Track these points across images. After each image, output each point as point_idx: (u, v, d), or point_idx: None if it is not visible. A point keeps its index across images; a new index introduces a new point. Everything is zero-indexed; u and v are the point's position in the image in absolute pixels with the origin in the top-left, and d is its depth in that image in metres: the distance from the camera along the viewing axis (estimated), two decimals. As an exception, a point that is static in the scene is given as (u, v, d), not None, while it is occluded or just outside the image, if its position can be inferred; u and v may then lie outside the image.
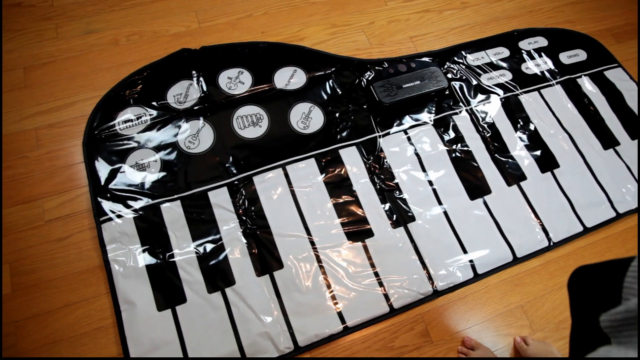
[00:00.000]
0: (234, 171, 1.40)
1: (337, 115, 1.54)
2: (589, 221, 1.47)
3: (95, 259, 1.28)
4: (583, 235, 1.46)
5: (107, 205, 1.32)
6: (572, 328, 0.82)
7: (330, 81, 1.61)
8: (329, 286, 1.28)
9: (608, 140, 1.63)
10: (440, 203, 1.44)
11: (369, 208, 1.40)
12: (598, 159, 1.58)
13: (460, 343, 1.28)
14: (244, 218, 1.34)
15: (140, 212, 1.32)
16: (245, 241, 1.31)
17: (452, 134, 1.56)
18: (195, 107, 1.49)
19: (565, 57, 1.80)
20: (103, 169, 1.37)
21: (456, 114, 1.60)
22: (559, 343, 1.30)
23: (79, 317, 1.21)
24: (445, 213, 1.43)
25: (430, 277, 1.33)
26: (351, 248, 1.34)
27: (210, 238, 1.31)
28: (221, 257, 1.29)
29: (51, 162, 1.40)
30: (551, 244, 1.42)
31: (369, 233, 1.37)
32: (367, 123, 1.55)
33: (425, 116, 1.58)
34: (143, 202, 1.33)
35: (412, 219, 1.40)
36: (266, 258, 1.30)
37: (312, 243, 1.33)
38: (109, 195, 1.33)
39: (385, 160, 1.48)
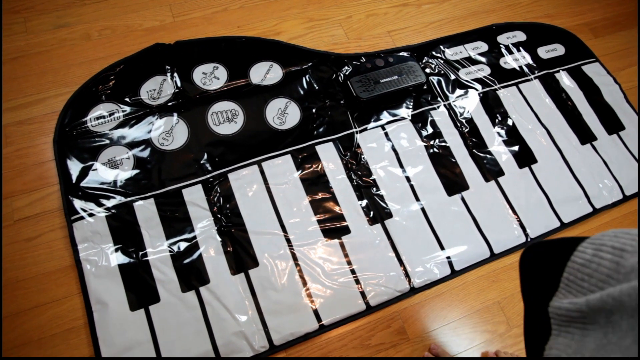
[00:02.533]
0: (209, 168, 1.38)
1: (314, 110, 1.53)
2: (566, 216, 1.48)
3: (66, 259, 1.25)
4: (560, 231, 1.46)
5: (78, 203, 1.29)
6: (524, 314, 0.79)
7: (307, 76, 1.59)
8: (305, 284, 1.27)
9: (585, 136, 1.63)
10: (417, 199, 1.43)
11: (345, 205, 1.39)
12: (575, 154, 1.58)
13: (428, 349, 1.27)
14: (219, 216, 1.32)
15: (113, 211, 1.29)
16: (220, 239, 1.29)
17: (430, 130, 1.55)
18: (170, 103, 1.46)
19: (544, 52, 1.80)
20: (74, 166, 1.34)
21: (434, 109, 1.60)
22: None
23: (50, 318, 1.19)
24: (423, 209, 1.42)
25: (407, 274, 1.32)
26: (328, 245, 1.33)
27: (184, 236, 1.29)
28: (195, 255, 1.27)
29: (20, 159, 1.37)
30: (528, 239, 1.42)
31: (346, 230, 1.36)
32: (345, 119, 1.53)
33: (403, 111, 1.57)
34: (116, 200, 1.31)
35: (390, 215, 1.39)
36: (241, 256, 1.28)
37: (288, 241, 1.32)
38: (80, 193, 1.31)
39: (362, 156, 1.47)
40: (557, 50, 1.82)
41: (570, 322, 0.58)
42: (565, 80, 1.74)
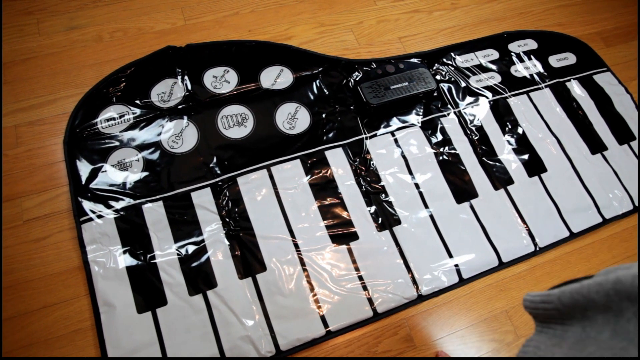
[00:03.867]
0: (218, 172, 1.38)
1: (323, 116, 1.53)
2: (575, 226, 1.47)
3: (74, 260, 1.26)
4: (569, 241, 1.45)
5: (87, 205, 1.29)
6: None
7: (318, 81, 1.59)
8: (312, 289, 1.27)
9: (596, 145, 1.62)
10: (426, 206, 1.43)
11: (354, 211, 1.39)
12: (586, 164, 1.57)
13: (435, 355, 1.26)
14: (227, 220, 1.32)
15: (122, 213, 1.30)
16: (228, 243, 1.29)
17: (439, 137, 1.55)
18: (180, 106, 1.46)
19: (555, 60, 1.79)
20: (84, 168, 1.35)
21: (444, 116, 1.59)
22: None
23: (57, 319, 1.19)
24: (432, 216, 1.41)
25: (414, 282, 1.31)
26: (335, 251, 1.33)
27: (192, 239, 1.29)
28: (203, 259, 1.27)
29: (31, 160, 1.37)
30: (537, 249, 1.41)
31: (354, 236, 1.35)
32: (354, 124, 1.53)
33: (413, 118, 1.57)
34: (124, 202, 1.31)
35: (398, 222, 1.39)
36: (249, 260, 1.28)
37: (296, 246, 1.32)
38: (89, 195, 1.31)
39: (371, 162, 1.47)
40: (568, 59, 1.81)
41: (549, 318, 0.58)
42: (576, 89, 1.73)
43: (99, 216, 1.28)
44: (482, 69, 1.72)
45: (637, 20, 2.00)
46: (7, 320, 1.17)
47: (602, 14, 1.99)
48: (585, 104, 1.70)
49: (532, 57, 1.79)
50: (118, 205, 1.31)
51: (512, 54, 1.78)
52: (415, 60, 1.69)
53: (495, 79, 1.70)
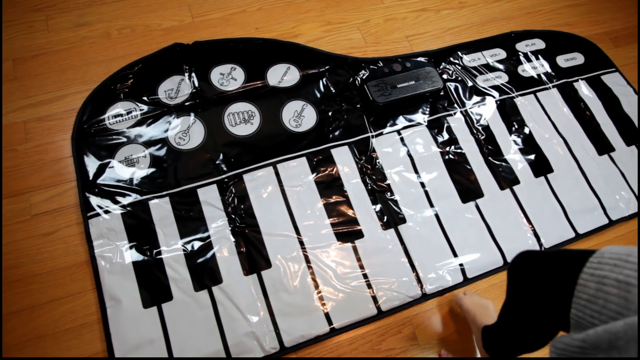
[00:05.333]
0: (224, 168, 1.39)
1: (330, 114, 1.53)
2: (581, 227, 1.46)
3: (81, 255, 1.27)
4: (575, 242, 1.45)
5: (95, 200, 1.31)
6: (506, 304, 0.85)
7: (324, 79, 1.59)
8: (317, 287, 1.27)
9: (603, 146, 1.62)
10: (431, 205, 1.43)
11: (359, 209, 1.39)
12: (592, 165, 1.57)
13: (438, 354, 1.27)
14: (233, 216, 1.33)
15: (129, 208, 1.31)
16: (233, 240, 1.30)
17: (445, 136, 1.55)
18: (187, 103, 1.47)
19: (563, 60, 1.79)
20: (92, 163, 1.36)
21: (450, 115, 1.59)
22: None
23: (64, 313, 1.20)
24: (437, 216, 1.42)
25: (419, 280, 1.32)
26: (340, 249, 1.33)
27: (198, 236, 1.30)
28: (209, 255, 1.27)
29: (40, 155, 1.38)
30: (542, 249, 1.41)
31: (359, 234, 1.36)
32: (360, 123, 1.53)
33: (419, 117, 1.57)
34: (131, 198, 1.32)
35: (403, 220, 1.39)
36: (254, 257, 1.29)
37: (301, 243, 1.32)
38: (97, 190, 1.32)
39: (377, 160, 1.47)
40: (576, 59, 1.80)
41: (568, 357, 0.58)
42: (584, 89, 1.72)
43: (106, 211, 1.29)
44: (489, 68, 1.72)
45: (646, 20, 1.99)
46: (15, 313, 1.19)
47: (611, 14, 1.98)
48: (592, 104, 1.69)
49: (539, 56, 1.78)
50: (125, 200, 1.32)
51: (520, 53, 1.78)
52: (422, 59, 1.69)
53: (502, 78, 1.70)
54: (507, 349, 0.91)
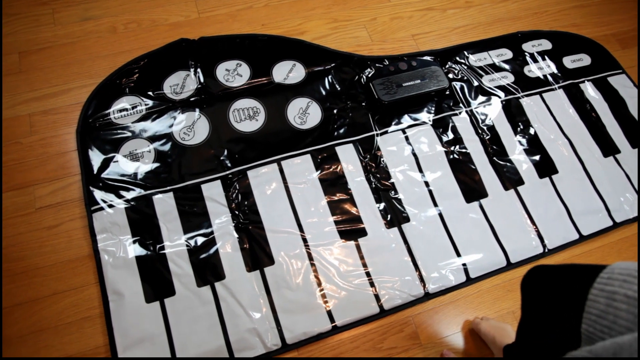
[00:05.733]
0: (229, 165, 1.39)
1: (335, 111, 1.53)
2: (585, 229, 1.46)
3: (85, 248, 1.27)
4: (579, 243, 1.44)
5: (99, 194, 1.31)
6: (521, 322, 0.86)
7: (330, 77, 1.59)
8: (319, 284, 1.27)
9: (608, 148, 1.61)
10: (435, 205, 1.43)
11: (363, 207, 1.39)
12: (597, 166, 1.56)
13: (440, 354, 1.26)
14: (237, 212, 1.33)
15: (132, 203, 1.31)
16: (237, 236, 1.30)
17: (450, 135, 1.54)
18: (192, 99, 1.47)
19: (569, 62, 1.78)
20: (96, 157, 1.36)
21: (456, 115, 1.59)
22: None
23: (67, 306, 1.21)
24: (441, 215, 1.41)
25: (422, 279, 1.32)
26: (344, 247, 1.33)
27: (201, 231, 1.30)
28: (212, 251, 1.27)
29: (44, 149, 1.39)
30: (546, 250, 1.41)
31: (363, 232, 1.35)
32: (365, 121, 1.53)
33: (425, 116, 1.57)
34: (135, 192, 1.32)
35: (407, 219, 1.39)
36: (257, 254, 1.29)
37: (305, 240, 1.32)
38: (101, 184, 1.32)
39: (382, 159, 1.47)
40: (582, 60, 1.80)
41: None
42: (590, 91, 1.72)
43: (110, 206, 1.29)
44: (495, 68, 1.71)
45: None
46: (18, 305, 1.19)
47: (619, 15, 1.97)
48: (598, 106, 1.69)
49: (546, 57, 1.77)
50: (129, 195, 1.32)
51: (526, 54, 1.77)
52: (428, 58, 1.69)
53: (508, 78, 1.69)
54: None
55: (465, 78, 1.67)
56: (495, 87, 1.67)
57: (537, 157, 1.55)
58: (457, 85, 1.65)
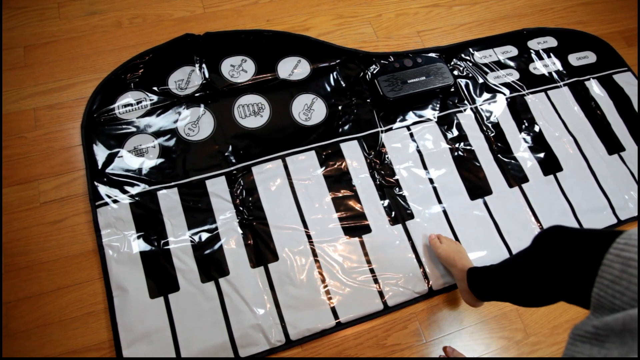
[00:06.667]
0: (233, 160, 1.39)
1: (339, 108, 1.52)
2: (589, 227, 1.45)
3: (89, 243, 1.27)
4: (583, 241, 1.44)
5: (103, 189, 1.31)
6: (518, 262, 0.93)
7: (335, 73, 1.58)
8: (323, 281, 1.27)
9: (613, 146, 1.61)
10: (440, 202, 1.42)
11: (367, 204, 1.39)
12: (602, 164, 1.56)
13: (443, 349, 1.26)
14: (241, 208, 1.33)
15: (137, 198, 1.31)
16: (241, 232, 1.30)
17: (455, 132, 1.54)
18: (197, 94, 1.47)
19: (575, 59, 1.78)
20: (101, 152, 1.36)
21: (461, 112, 1.58)
22: (552, 348, 1.29)
23: (71, 301, 1.21)
24: (445, 212, 1.41)
25: (426, 276, 1.31)
26: (348, 243, 1.33)
27: (206, 227, 1.30)
28: (216, 246, 1.28)
29: (49, 143, 1.39)
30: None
31: (367, 229, 1.35)
32: (370, 117, 1.53)
33: (429, 113, 1.56)
34: (140, 188, 1.32)
35: (411, 216, 1.39)
36: (261, 250, 1.29)
37: (309, 236, 1.32)
38: (105, 179, 1.32)
39: (386, 155, 1.47)
40: (588, 57, 1.79)
41: (582, 341, 0.58)
42: (595, 88, 1.71)
43: (115, 201, 1.30)
44: (501, 65, 1.71)
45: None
46: (23, 300, 1.19)
47: (625, 12, 1.96)
48: (604, 103, 1.68)
49: (551, 54, 1.77)
50: (133, 190, 1.32)
51: (532, 51, 1.77)
52: (433, 54, 1.68)
53: (513, 75, 1.69)
54: (498, 294, 1.04)
55: (471, 75, 1.66)
56: (501, 84, 1.66)
57: (541, 155, 1.54)
58: (462, 82, 1.64)
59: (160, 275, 1.23)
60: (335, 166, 1.43)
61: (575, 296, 0.69)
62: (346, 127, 1.50)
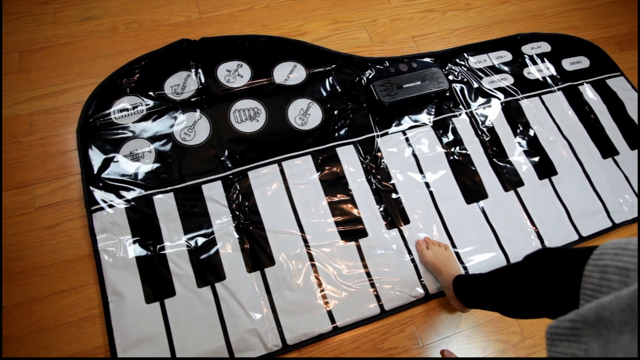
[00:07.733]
0: (229, 165, 1.39)
1: (335, 112, 1.53)
2: (584, 230, 1.46)
3: (84, 248, 1.27)
4: (578, 244, 1.45)
5: (99, 194, 1.30)
6: (508, 274, 0.95)
7: (330, 78, 1.59)
8: (320, 285, 1.27)
9: (607, 149, 1.62)
10: (436, 206, 1.43)
11: (364, 208, 1.39)
12: (596, 168, 1.57)
13: (441, 353, 1.26)
14: (237, 213, 1.33)
15: (133, 203, 1.30)
16: (237, 236, 1.30)
17: (451, 137, 1.55)
18: (193, 99, 1.47)
19: (568, 64, 1.79)
20: (96, 157, 1.35)
21: (456, 116, 1.59)
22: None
23: (66, 306, 1.20)
24: (441, 216, 1.41)
25: (422, 280, 1.32)
26: (344, 247, 1.33)
27: (202, 232, 1.29)
28: (212, 251, 1.27)
29: (44, 148, 1.38)
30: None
31: (363, 233, 1.36)
32: (366, 122, 1.53)
33: (425, 117, 1.57)
34: (136, 192, 1.32)
35: (407, 221, 1.39)
36: (258, 254, 1.28)
37: (305, 241, 1.32)
38: (101, 184, 1.32)
39: (382, 160, 1.47)
40: (581, 62, 1.80)
41: (560, 339, 0.59)
42: (589, 93, 1.73)
43: (110, 206, 1.29)
44: (495, 70, 1.72)
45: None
46: (17, 305, 1.19)
47: (617, 17, 1.98)
48: (597, 108, 1.70)
49: (545, 59, 1.78)
50: (129, 195, 1.31)
51: (525, 56, 1.78)
52: (428, 59, 1.69)
53: (507, 80, 1.70)
54: (484, 303, 1.07)
55: (465, 80, 1.67)
56: (495, 88, 1.67)
57: (536, 159, 1.55)
58: (457, 86, 1.65)
59: (156, 280, 1.22)
60: (332, 171, 1.43)
61: (564, 312, 0.71)
62: (342, 132, 1.50)
